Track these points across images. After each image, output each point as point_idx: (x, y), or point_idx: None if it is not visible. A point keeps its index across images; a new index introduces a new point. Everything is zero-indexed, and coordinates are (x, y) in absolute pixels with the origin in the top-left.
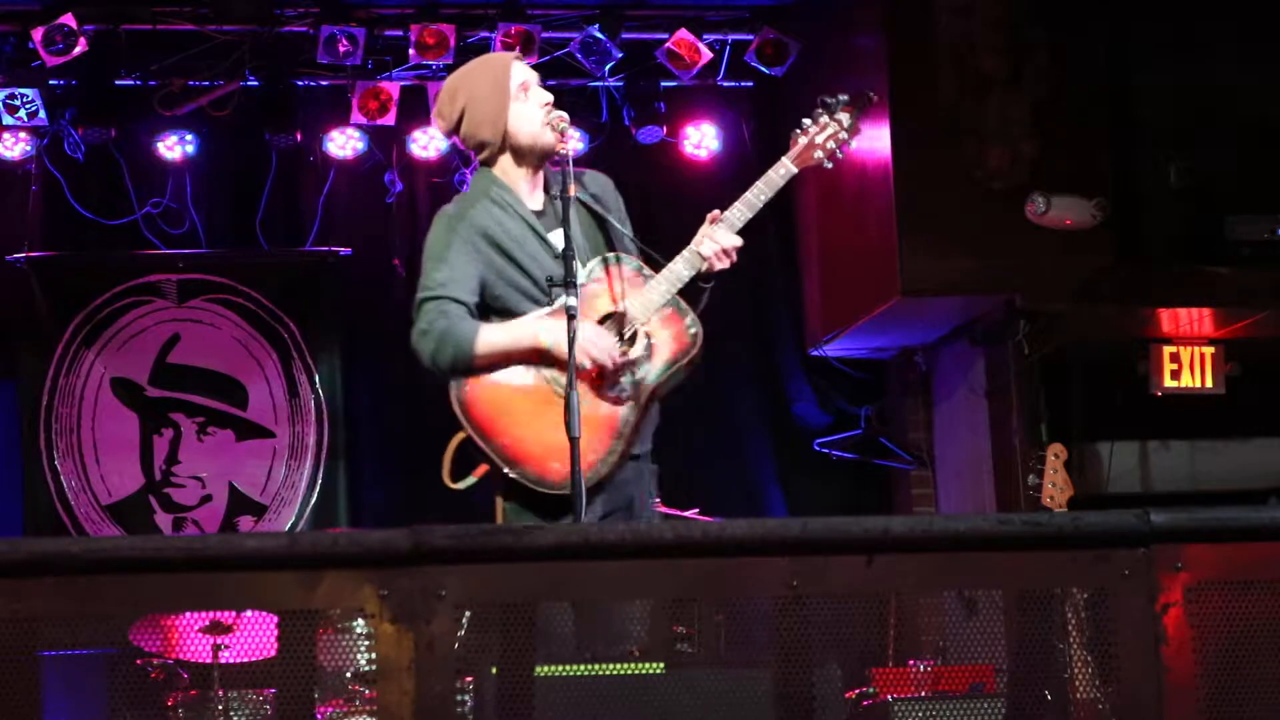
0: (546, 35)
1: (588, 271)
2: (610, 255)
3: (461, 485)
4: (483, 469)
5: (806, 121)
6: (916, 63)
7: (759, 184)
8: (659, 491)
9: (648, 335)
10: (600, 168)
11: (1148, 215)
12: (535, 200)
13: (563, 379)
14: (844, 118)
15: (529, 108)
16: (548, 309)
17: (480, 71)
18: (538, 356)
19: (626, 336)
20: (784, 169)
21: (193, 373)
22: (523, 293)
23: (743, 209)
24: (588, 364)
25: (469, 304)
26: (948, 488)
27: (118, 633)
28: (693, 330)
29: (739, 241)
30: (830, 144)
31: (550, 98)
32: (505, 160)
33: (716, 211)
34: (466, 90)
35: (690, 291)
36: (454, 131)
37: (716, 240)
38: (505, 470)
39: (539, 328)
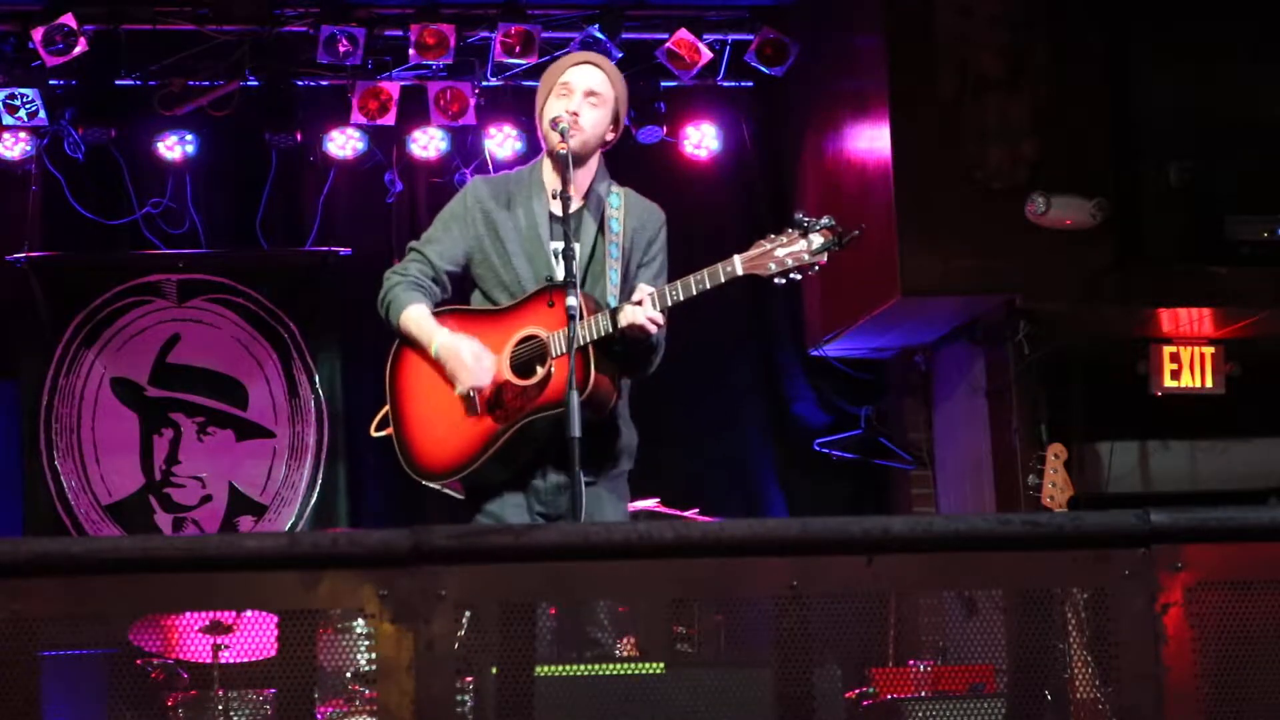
0: (546, 35)
1: (538, 290)
2: (561, 282)
3: (378, 434)
4: (388, 430)
5: (775, 234)
6: (916, 63)
7: (703, 272)
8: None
9: (551, 369)
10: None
11: (1148, 215)
12: (557, 201)
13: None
14: (815, 240)
15: (556, 105)
16: (500, 306)
17: (556, 61)
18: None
19: (533, 361)
20: (731, 268)
21: (193, 373)
22: (499, 281)
23: (679, 291)
24: (459, 388)
25: (438, 269)
26: (948, 488)
27: (118, 633)
28: (589, 382)
29: (660, 320)
30: (789, 261)
31: (579, 109)
32: (545, 154)
33: (645, 287)
34: (542, 76)
35: (616, 347)
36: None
37: (635, 316)
38: (394, 437)
39: (437, 338)
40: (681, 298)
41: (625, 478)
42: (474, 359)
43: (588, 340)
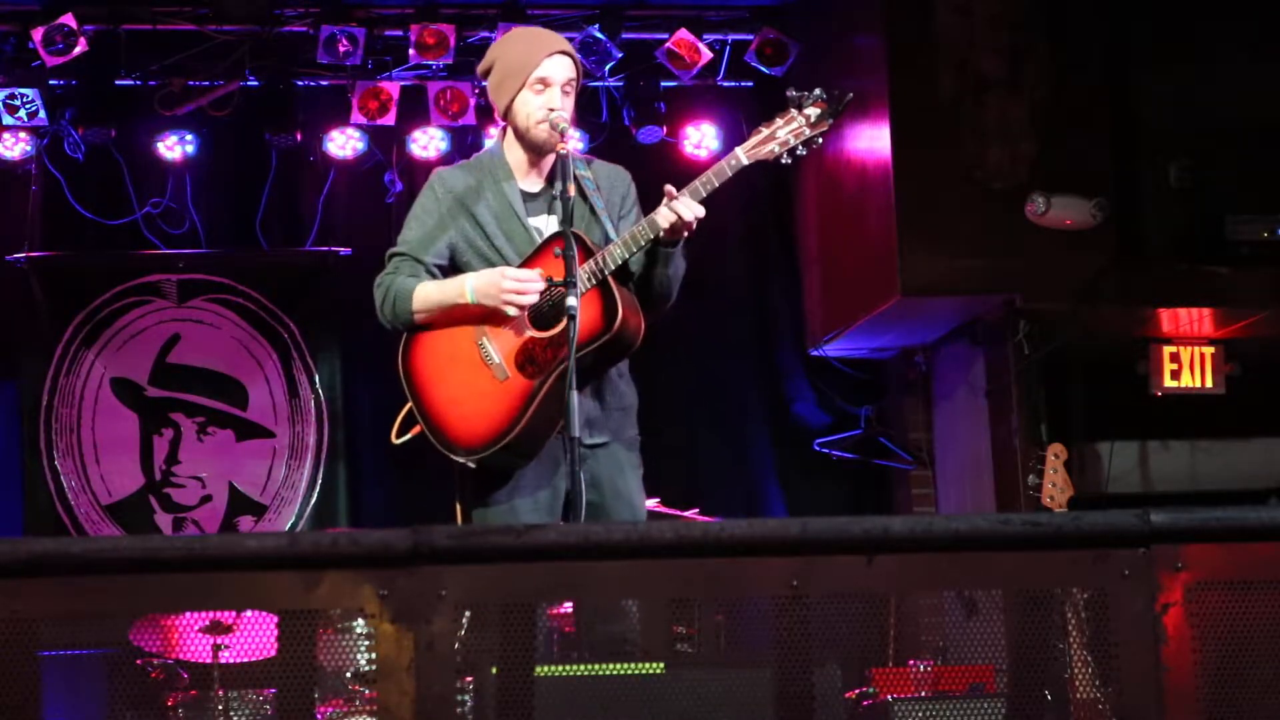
0: None
1: (542, 244)
2: (562, 232)
3: (399, 440)
4: (416, 429)
5: (770, 119)
6: (916, 63)
7: (709, 173)
8: (642, 485)
9: (573, 315)
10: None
11: (1148, 215)
12: (532, 182)
13: (491, 345)
14: (812, 113)
15: (535, 100)
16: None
17: (520, 42)
18: (472, 314)
19: (550, 312)
20: (735, 160)
21: (193, 373)
22: (489, 264)
23: (699, 191)
24: (509, 307)
25: (428, 264)
26: (948, 488)
27: (118, 633)
28: (611, 314)
29: (701, 211)
30: (790, 139)
31: (559, 106)
32: (510, 132)
33: (670, 187)
34: (503, 50)
35: (648, 266)
36: (484, 78)
37: (682, 209)
38: (424, 428)
39: (468, 282)
40: (704, 195)
41: (638, 446)
42: (515, 280)
43: (618, 262)
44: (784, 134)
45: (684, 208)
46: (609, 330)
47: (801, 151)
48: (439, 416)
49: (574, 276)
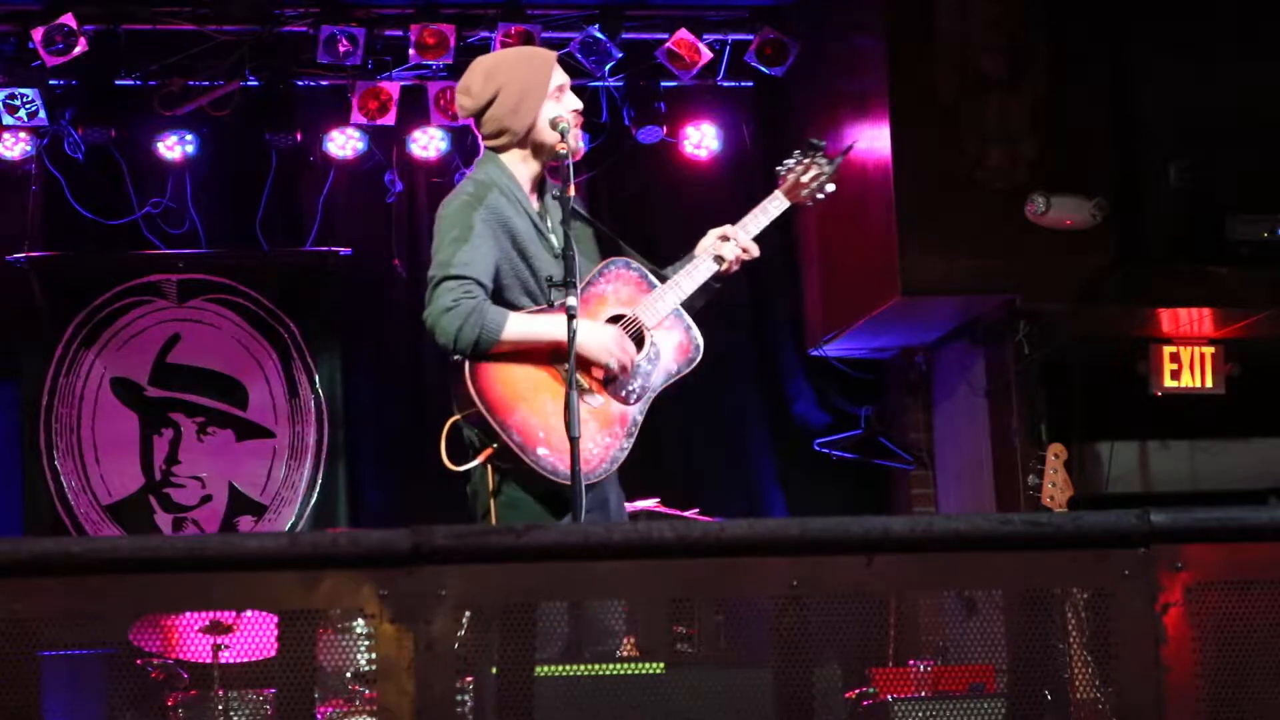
0: (546, 35)
1: (597, 271)
2: (616, 259)
3: (463, 468)
4: (488, 452)
5: (791, 161)
6: (916, 63)
7: (756, 213)
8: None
9: (654, 341)
10: (600, 168)
11: (1148, 215)
12: (533, 200)
13: (577, 374)
14: (823, 162)
15: (560, 109)
16: (556, 305)
17: (523, 61)
18: (556, 352)
19: (635, 340)
20: (778, 201)
21: (193, 373)
22: (524, 288)
23: (751, 228)
24: (614, 365)
25: (489, 289)
26: (948, 488)
27: (118, 633)
28: (696, 341)
29: (756, 250)
30: (814, 184)
31: (581, 106)
32: (518, 154)
33: (729, 227)
34: (506, 75)
35: (694, 296)
36: (479, 112)
37: (750, 246)
38: (518, 454)
39: (578, 331)
40: (755, 234)
41: None
42: (617, 335)
43: (680, 301)
44: (808, 178)
45: (751, 245)
46: (698, 356)
47: (820, 197)
48: (539, 443)
49: (574, 276)
